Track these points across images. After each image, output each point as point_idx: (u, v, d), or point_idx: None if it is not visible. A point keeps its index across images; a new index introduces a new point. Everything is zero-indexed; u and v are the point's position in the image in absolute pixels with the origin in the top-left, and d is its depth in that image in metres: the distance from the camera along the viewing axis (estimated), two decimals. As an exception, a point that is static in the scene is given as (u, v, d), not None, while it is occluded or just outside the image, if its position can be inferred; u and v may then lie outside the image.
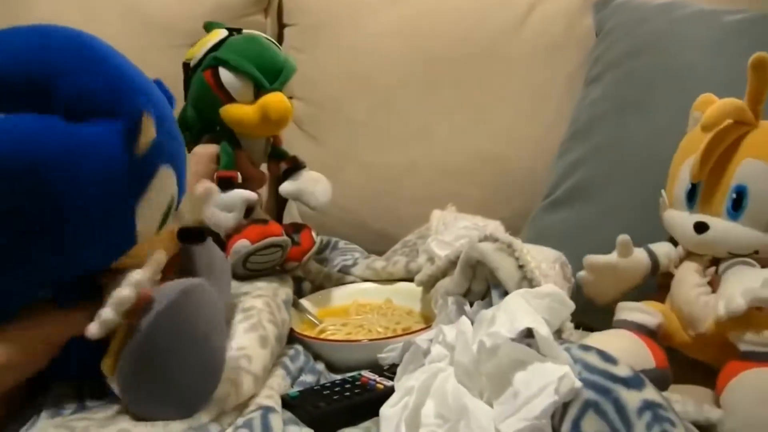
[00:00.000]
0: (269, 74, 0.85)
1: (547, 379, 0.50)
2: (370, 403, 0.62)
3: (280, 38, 1.31)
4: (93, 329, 0.52)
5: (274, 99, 0.83)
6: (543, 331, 0.53)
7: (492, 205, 1.09)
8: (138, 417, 0.55)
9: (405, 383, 0.58)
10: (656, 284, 0.78)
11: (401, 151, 1.19)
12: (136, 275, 0.53)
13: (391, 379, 0.65)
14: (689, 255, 0.74)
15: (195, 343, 0.55)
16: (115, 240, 0.55)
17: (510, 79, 1.17)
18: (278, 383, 0.67)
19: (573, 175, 0.98)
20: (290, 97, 0.88)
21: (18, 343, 0.53)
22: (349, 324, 0.83)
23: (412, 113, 1.20)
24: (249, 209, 0.84)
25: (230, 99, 0.85)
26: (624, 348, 0.66)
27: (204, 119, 0.88)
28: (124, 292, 0.52)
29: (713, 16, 0.98)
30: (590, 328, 0.74)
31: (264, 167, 0.93)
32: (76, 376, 0.60)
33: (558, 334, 0.60)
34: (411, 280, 0.86)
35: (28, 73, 0.52)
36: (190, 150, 0.82)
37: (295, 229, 0.91)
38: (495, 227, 0.91)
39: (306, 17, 1.30)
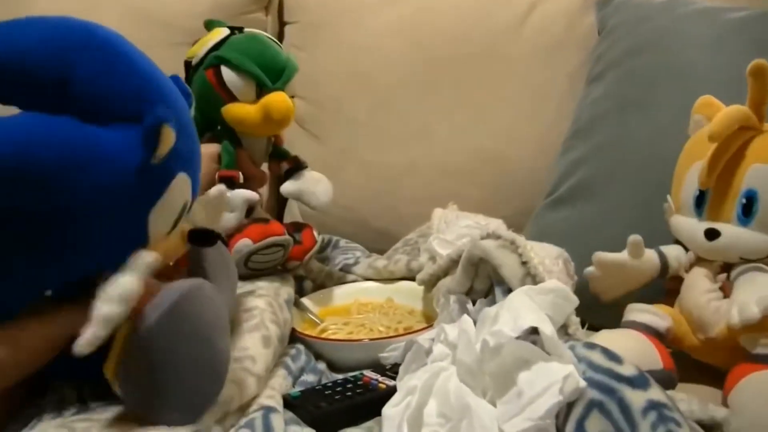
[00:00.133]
0: (271, 73, 0.84)
1: (552, 379, 0.50)
2: (372, 402, 0.62)
3: (280, 36, 1.31)
4: (80, 347, 0.48)
5: (276, 98, 0.83)
6: (547, 329, 0.53)
7: (493, 205, 1.08)
8: (141, 419, 0.54)
9: (407, 383, 0.57)
10: (664, 288, 0.77)
11: (402, 150, 1.19)
12: (118, 288, 0.50)
13: (393, 378, 0.65)
14: (699, 260, 0.74)
15: (198, 345, 0.55)
16: (126, 242, 0.54)
17: (510, 78, 1.17)
18: (279, 383, 0.67)
19: (575, 174, 0.98)
20: (292, 97, 0.88)
21: (20, 341, 0.52)
22: (350, 323, 0.83)
23: (413, 112, 1.19)
24: (250, 209, 0.84)
25: (232, 98, 0.85)
26: (632, 347, 0.66)
27: (205, 118, 0.87)
28: (105, 309, 0.49)
29: (715, 14, 0.98)
30: (594, 327, 0.73)
31: (265, 166, 0.93)
32: (77, 376, 0.59)
33: (564, 329, 0.60)
34: (412, 279, 0.86)
35: (45, 68, 0.51)
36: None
37: (297, 228, 0.91)
38: (497, 226, 0.91)
39: (306, 15, 1.30)
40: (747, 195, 0.69)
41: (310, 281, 0.95)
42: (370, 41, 1.23)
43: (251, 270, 0.82)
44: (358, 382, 0.68)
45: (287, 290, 0.81)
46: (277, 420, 0.59)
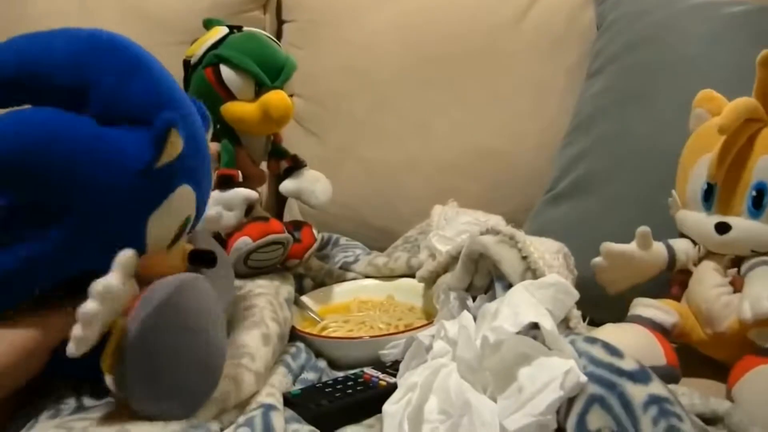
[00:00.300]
0: (270, 72, 0.84)
1: (552, 374, 0.49)
2: (373, 400, 0.62)
3: (278, 35, 1.31)
4: (69, 348, 0.49)
5: (275, 97, 0.83)
6: (548, 324, 0.52)
7: (492, 201, 1.08)
8: (137, 415, 0.54)
9: (407, 380, 0.57)
10: (669, 279, 0.77)
11: (401, 148, 1.18)
12: (99, 285, 0.50)
13: (394, 375, 0.65)
14: (709, 254, 0.73)
15: (192, 340, 0.55)
16: (122, 245, 0.53)
17: (510, 73, 1.17)
18: (280, 381, 0.66)
19: (575, 169, 0.97)
20: (291, 95, 0.88)
21: (16, 340, 0.52)
22: (350, 321, 0.83)
23: (412, 109, 1.19)
24: (249, 207, 0.84)
25: (231, 97, 0.84)
26: (635, 342, 0.65)
27: (204, 117, 0.87)
28: (86, 307, 0.49)
29: (714, 8, 0.98)
30: (594, 322, 0.73)
31: (264, 165, 0.93)
32: (75, 375, 0.59)
33: (565, 323, 0.60)
34: (412, 276, 0.86)
35: (70, 76, 0.52)
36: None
37: (296, 226, 0.91)
38: (497, 222, 0.91)
39: (305, 13, 1.30)
40: (757, 187, 0.68)
41: (310, 279, 0.95)
42: (368, 39, 1.23)
43: (251, 268, 0.82)
44: (359, 380, 0.67)
45: (287, 288, 0.81)
46: (277, 418, 0.58)
